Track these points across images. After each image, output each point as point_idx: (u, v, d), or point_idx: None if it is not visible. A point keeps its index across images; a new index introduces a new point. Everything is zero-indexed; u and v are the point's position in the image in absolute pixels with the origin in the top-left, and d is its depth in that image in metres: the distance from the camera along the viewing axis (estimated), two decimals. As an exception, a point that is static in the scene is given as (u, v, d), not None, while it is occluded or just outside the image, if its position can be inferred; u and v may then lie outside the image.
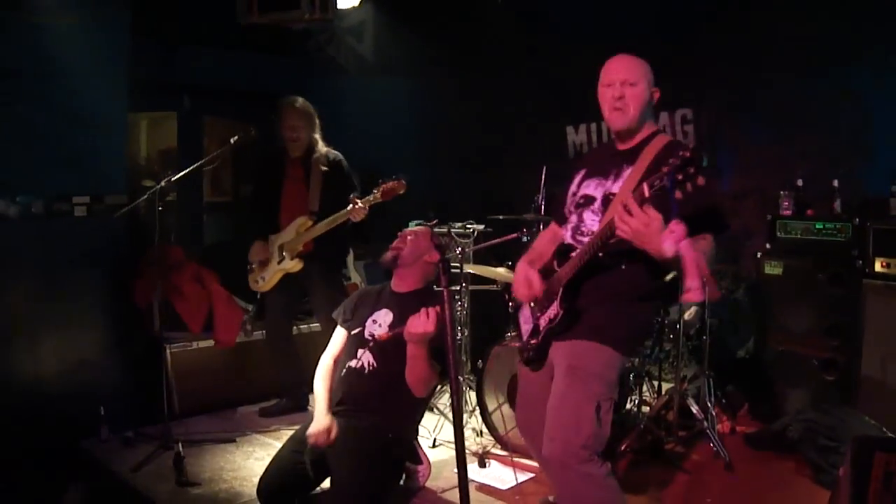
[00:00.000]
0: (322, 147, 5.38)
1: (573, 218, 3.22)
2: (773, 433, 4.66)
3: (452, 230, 6.16)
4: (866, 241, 4.66)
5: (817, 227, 4.87)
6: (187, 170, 4.84)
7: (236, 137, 5.06)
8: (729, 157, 5.83)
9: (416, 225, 6.32)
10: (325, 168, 5.30)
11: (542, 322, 3.17)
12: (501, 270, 5.10)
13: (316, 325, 5.89)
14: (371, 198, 4.82)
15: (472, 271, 5.26)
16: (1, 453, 4.51)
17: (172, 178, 4.72)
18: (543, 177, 5.83)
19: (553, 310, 3.09)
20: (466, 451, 4.70)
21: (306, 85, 7.18)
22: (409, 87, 7.41)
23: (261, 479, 3.75)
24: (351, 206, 4.85)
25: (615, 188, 3.06)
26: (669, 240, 2.56)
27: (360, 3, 6.38)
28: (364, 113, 7.20)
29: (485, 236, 6.06)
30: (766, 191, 5.42)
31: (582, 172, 3.31)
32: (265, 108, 7.34)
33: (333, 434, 3.64)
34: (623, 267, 2.98)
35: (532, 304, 3.29)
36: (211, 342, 5.53)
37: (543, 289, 3.13)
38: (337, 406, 3.80)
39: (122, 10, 5.36)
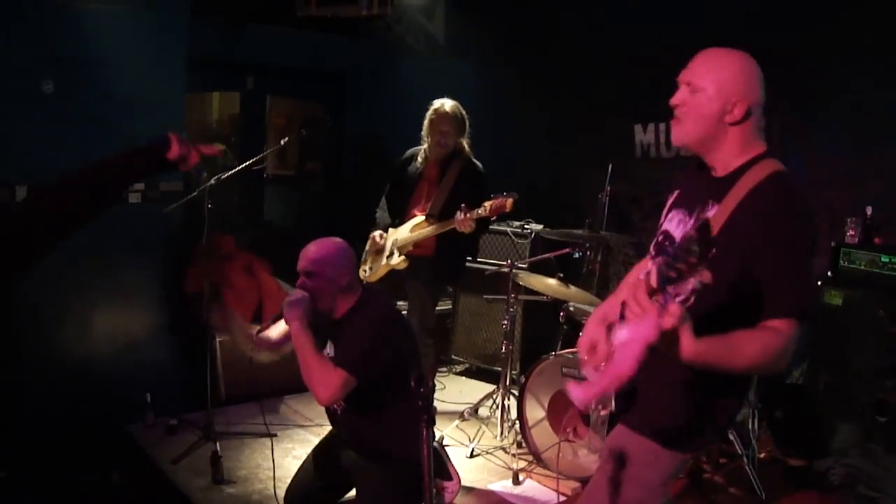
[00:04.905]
0: (466, 154, 5.21)
1: (651, 266, 2.34)
2: (816, 473, 4.50)
3: (510, 230, 6.12)
4: (934, 280, 4.41)
5: (883, 259, 4.60)
6: (239, 167, 4.84)
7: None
8: (797, 169, 5.51)
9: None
10: (460, 173, 5.13)
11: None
12: (552, 282, 4.99)
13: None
14: (477, 212, 4.67)
15: (521, 283, 5.15)
16: (49, 432, 4.60)
17: (223, 177, 4.72)
18: (609, 175, 5.70)
19: None
20: (503, 465, 4.74)
21: (373, 65, 7.11)
22: (478, 72, 7.25)
23: (287, 489, 3.82)
24: (459, 213, 4.71)
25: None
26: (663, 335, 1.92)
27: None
28: (431, 95, 7.07)
29: (542, 238, 5.99)
30: (835, 210, 5.14)
31: (675, 194, 2.54)
32: (330, 88, 7.34)
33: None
34: None
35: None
36: (260, 331, 5.54)
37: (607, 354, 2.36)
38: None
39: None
